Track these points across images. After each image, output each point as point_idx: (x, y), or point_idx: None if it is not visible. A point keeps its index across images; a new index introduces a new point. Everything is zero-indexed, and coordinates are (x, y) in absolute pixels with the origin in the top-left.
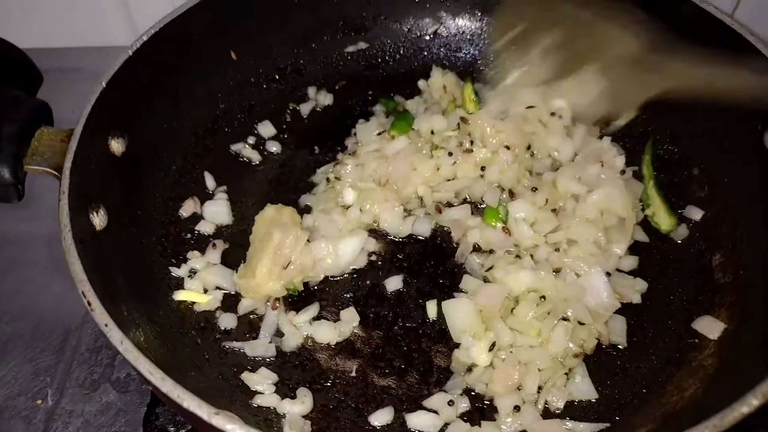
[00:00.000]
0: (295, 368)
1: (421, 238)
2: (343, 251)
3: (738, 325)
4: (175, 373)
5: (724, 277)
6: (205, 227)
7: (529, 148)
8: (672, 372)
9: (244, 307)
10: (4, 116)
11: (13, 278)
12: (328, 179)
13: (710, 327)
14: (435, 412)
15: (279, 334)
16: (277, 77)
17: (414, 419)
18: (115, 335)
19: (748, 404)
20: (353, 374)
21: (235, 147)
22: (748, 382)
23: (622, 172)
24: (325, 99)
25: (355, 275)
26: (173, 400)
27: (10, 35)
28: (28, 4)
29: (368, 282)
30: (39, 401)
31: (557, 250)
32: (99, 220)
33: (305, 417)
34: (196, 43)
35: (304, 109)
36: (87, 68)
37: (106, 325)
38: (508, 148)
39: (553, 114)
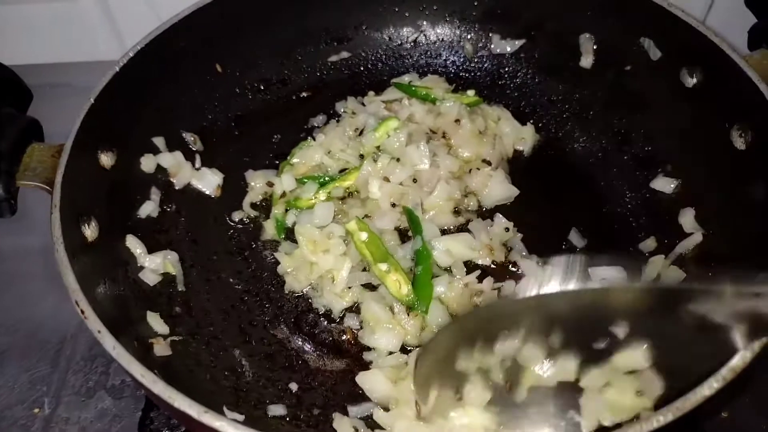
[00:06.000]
0: (284, 369)
1: None
2: None
3: None
4: (171, 376)
5: None
6: None
7: None
8: None
9: None
10: None
11: (8, 291)
12: None
13: None
14: None
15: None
16: (263, 88)
17: None
18: (108, 341)
19: None
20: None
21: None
22: None
23: None
24: None
25: None
26: (165, 401)
27: None
28: (14, 21)
29: None
30: (36, 410)
31: None
32: (90, 231)
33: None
34: (182, 57)
35: None
36: (76, 84)
37: (99, 332)
38: None
39: None
